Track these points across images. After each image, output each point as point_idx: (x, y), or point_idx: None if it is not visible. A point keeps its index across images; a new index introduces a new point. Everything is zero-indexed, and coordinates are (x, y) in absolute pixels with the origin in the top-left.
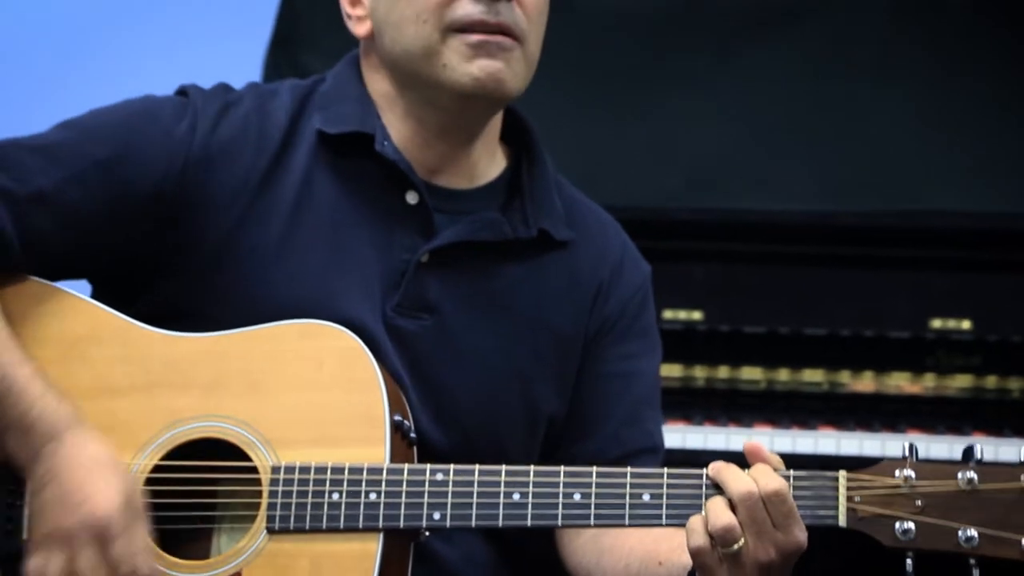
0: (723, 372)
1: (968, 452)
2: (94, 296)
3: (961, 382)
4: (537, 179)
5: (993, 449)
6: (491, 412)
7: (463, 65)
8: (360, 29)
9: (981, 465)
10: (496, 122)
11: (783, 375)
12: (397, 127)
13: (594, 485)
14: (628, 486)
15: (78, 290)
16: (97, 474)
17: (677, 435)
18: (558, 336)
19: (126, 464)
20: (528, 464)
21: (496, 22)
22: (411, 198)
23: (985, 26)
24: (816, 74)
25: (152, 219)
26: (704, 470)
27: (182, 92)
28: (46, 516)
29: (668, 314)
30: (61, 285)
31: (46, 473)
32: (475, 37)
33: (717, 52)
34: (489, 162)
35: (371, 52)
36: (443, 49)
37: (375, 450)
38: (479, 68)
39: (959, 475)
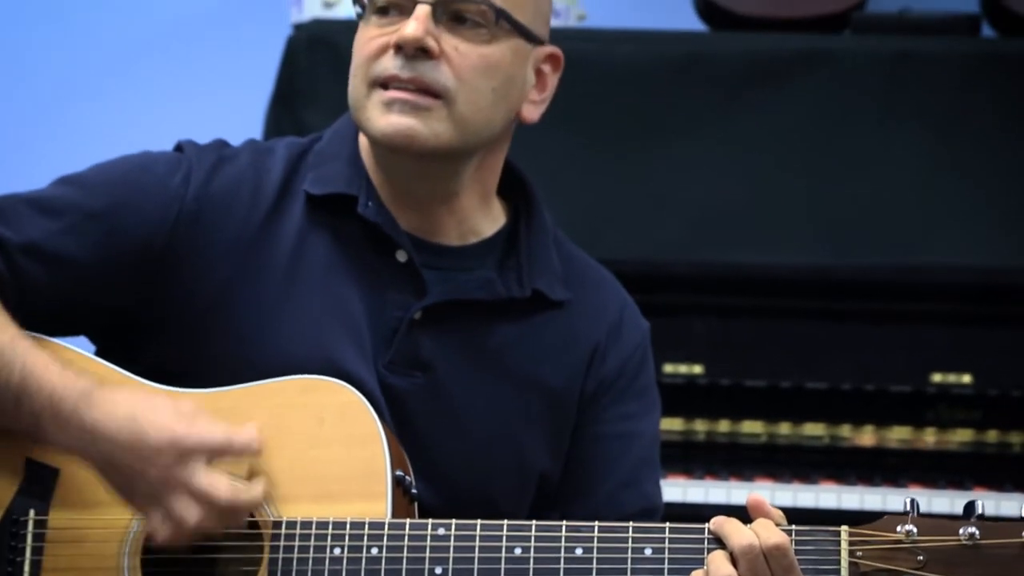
0: (724, 426)
1: (970, 507)
2: (97, 355)
3: (962, 436)
4: (535, 236)
5: (994, 504)
6: (482, 471)
7: (378, 119)
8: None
9: (983, 520)
10: (487, 178)
11: (784, 429)
12: (379, 183)
13: (596, 540)
14: (630, 540)
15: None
16: (140, 420)
17: (678, 489)
18: (551, 395)
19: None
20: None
21: (409, 77)
22: (401, 256)
23: (985, 80)
24: (815, 127)
25: (146, 270)
26: (706, 524)
27: (178, 148)
28: (131, 487)
29: (668, 368)
30: (61, 342)
31: (96, 455)
32: (387, 94)
33: (716, 105)
34: (482, 219)
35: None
36: (367, 103)
37: (376, 505)
38: (388, 123)
39: (961, 530)
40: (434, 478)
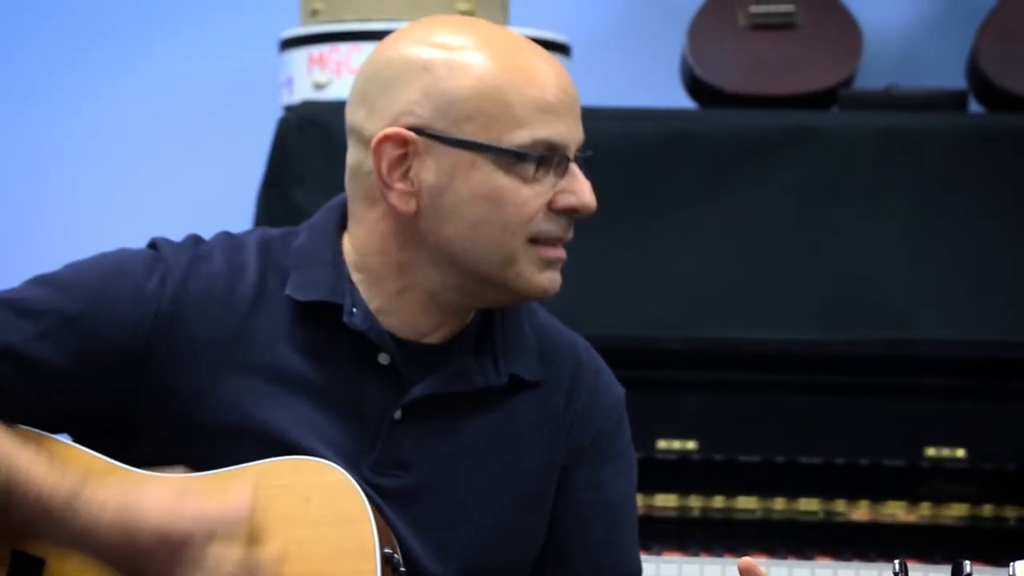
0: (718, 502)
1: (958, 568)
2: None
3: (957, 511)
4: (508, 319)
5: None
6: (482, 557)
7: (535, 276)
8: (405, 205)
9: None
10: None
11: (779, 504)
12: (389, 296)
13: None
14: None
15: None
16: (128, 520)
17: (673, 566)
18: (536, 471)
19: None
20: None
21: (568, 238)
22: (383, 359)
23: (972, 156)
24: (804, 203)
25: (124, 373)
26: None
27: (152, 245)
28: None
29: (662, 444)
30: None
31: (92, 555)
32: (551, 253)
33: (705, 182)
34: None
35: (400, 222)
36: (521, 258)
37: None
38: (548, 280)
39: None
40: (445, 558)
